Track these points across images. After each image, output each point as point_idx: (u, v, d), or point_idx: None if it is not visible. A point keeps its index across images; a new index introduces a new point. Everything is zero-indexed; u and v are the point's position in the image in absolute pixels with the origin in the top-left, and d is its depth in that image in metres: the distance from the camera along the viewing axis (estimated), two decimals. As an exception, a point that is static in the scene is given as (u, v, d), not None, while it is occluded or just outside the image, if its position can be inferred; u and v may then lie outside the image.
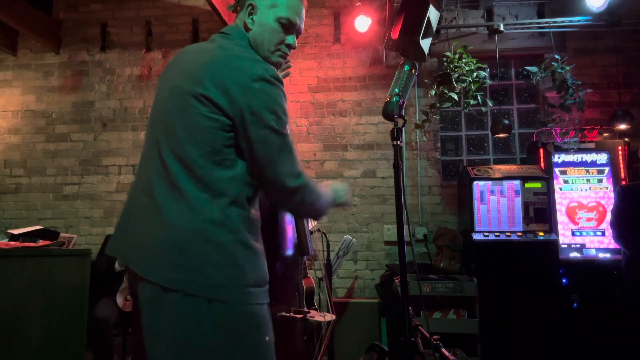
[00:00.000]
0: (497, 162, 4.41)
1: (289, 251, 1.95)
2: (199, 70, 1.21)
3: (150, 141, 1.28)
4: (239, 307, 1.16)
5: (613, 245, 3.51)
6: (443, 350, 1.61)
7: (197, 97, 1.18)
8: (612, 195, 3.62)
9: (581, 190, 3.76)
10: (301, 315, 2.07)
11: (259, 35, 1.32)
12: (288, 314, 1.99)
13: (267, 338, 1.21)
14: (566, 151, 3.75)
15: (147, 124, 1.37)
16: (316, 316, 2.26)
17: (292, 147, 1.23)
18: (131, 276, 1.27)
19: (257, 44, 1.33)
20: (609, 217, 3.39)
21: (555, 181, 3.77)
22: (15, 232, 2.61)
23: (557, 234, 3.65)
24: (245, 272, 1.18)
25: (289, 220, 1.92)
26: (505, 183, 3.69)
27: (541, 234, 3.57)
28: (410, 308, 1.56)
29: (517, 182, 3.67)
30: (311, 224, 3.27)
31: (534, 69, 3.78)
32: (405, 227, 1.62)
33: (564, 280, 3.55)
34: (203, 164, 1.18)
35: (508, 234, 3.61)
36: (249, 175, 1.23)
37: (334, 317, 2.70)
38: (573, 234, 3.72)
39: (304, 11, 1.40)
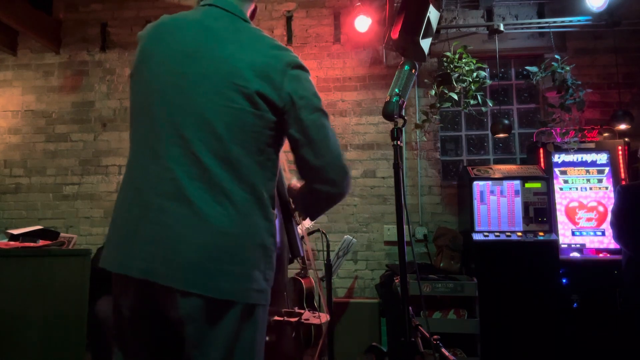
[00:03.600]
0: (497, 162, 4.41)
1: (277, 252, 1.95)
2: (232, 60, 1.12)
3: (162, 136, 1.12)
4: (267, 307, 1.19)
5: (613, 245, 3.51)
6: (443, 350, 1.61)
7: (241, 91, 1.10)
8: (612, 195, 3.62)
9: (581, 190, 3.76)
10: (295, 319, 2.06)
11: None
12: (282, 318, 1.98)
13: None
14: (566, 151, 3.75)
15: (140, 115, 1.19)
16: (310, 319, 2.26)
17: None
18: (143, 290, 1.11)
19: None
20: (609, 217, 3.40)
21: (555, 181, 3.77)
22: (15, 232, 2.60)
23: (557, 234, 3.65)
24: (274, 273, 1.19)
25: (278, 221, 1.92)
26: (505, 183, 3.69)
27: (541, 234, 3.57)
28: (410, 308, 1.56)
29: (517, 182, 3.67)
30: (308, 223, 3.28)
31: (534, 69, 3.78)
32: (405, 227, 1.62)
33: (564, 280, 3.55)
34: (248, 164, 1.12)
35: (508, 234, 3.60)
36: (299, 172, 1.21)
37: (328, 317, 2.69)
38: (573, 234, 3.71)
39: None
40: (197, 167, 1.09)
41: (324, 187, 1.21)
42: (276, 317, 1.97)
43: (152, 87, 1.16)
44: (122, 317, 1.16)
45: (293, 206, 1.49)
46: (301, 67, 1.18)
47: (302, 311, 2.72)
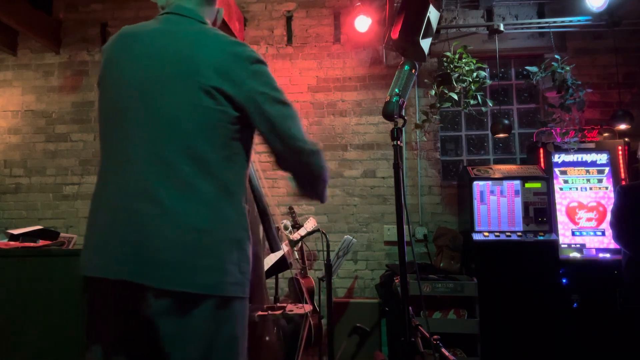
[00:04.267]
0: (497, 162, 4.41)
1: (255, 247, 1.96)
2: (192, 59, 1.15)
3: (129, 139, 1.15)
4: (246, 300, 1.21)
5: (613, 245, 3.51)
6: (443, 350, 1.61)
7: (202, 88, 1.12)
8: (612, 195, 3.62)
9: (581, 190, 3.76)
10: (279, 312, 2.08)
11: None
12: (265, 313, 2.00)
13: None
14: (566, 151, 3.75)
15: (108, 120, 1.21)
16: (294, 310, 2.27)
17: (297, 115, 1.26)
18: (121, 292, 1.11)
19: None
20: (609, 217, 3.39)
21: (555, 181, 3.77)
22: (15, 232, 2.60)
23: (557, 234, 3.65)
24: (250, 266, 1.21)
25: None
26: (505, 183, 3.69)
27: (541, 234, 3.57)
28: (410, 308, 1.56)
29: (517, 182, 3.68)
30: (312, 224, 3.28)
31: (534, 69, 3.78)
32: (405, 227, 1.62)
33: (564, 280, 3.55)
34: (215, 159, 1.14)
35: (508, 234, 3.61)
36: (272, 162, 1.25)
37: (311, 308, 2.71)
38: (573, 234, 3.71)
39: None
40: (164, 166, 1.11)
41: (298, 171, 1.27)
42: (260, 313, 1.98)
43: (117, 93, 1.20)
44: (100, 320, 1.17)
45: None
46: (259, 62, 1.21)
47: (284, 304, 2.73)
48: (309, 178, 1.29)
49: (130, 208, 1.11)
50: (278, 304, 2.35)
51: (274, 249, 1.77)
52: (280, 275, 4.21)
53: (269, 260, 2.40)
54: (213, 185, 1.13)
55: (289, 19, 4.57)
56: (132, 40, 1.23)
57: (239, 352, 1.16)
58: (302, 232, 3.26)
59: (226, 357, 1.14)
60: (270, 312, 2.03)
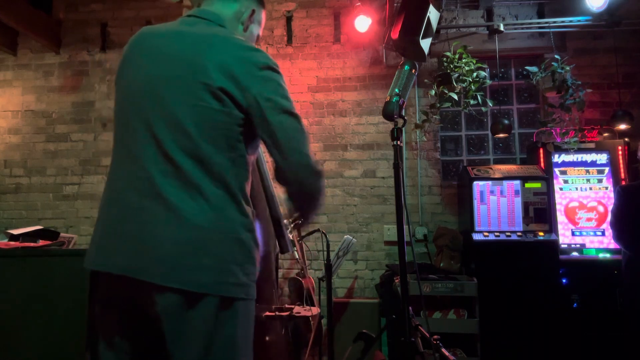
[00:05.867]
0: (497, 162, 4.41)
1: (265, 248, 1.96)
2: (200, 60, 1.15)
3: (138, 138, 1.17)
4: (252, 302, 1.20)
5: (613, 245, 3.51)
6: (443, 350, 1.61)
7: (208, 89, 1.13)
8: (612, 195, 3.61)
9: (581, 190, 3.76)
10: (287, 313, 2.08)
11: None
12: (272, 314, 2.00)
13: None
14: (566, 151, 3.75)
15: (120, 118, 1.25)
16: (302, 312, 2.27)
17: (305, 129, 1.23)
18: (124, 287, 1.13)
19: None
20: (609, 217, 3.39)
21: (555, 181, 3.77)
22: (15, 232, 2.60)
23: (557, 234, 3.65)
24: (257, 268, 1.21)
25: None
26: (505, 183, 3.69)
27: (541, 234, 3.57)
28: (410, 308, 1.56)
29: (517, 182, 3.68)
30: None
31: (534, 69, 3.78)
32: (405, 227, 1.62)
33: (564, 280, 3.55)
34: (219, 161, 1.14)
35: (508, 234, 3.60)
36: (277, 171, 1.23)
37: (318, 310, 2.71)
38: (573, 234, 3.71)
39: None
40: (170, 165, 1.12)
41: (292, 188, 1.23)
42: (267, 313, 1.99)
43: (129, 91, 1.22)
44: (104, 315, 1.19)
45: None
46: (271, 69, 1.19)
47: (292, 306, 2.73)
48: (304, 197, 1.25)
49: (136, 204, 1.12)
50: (286, 305, 2.35)
51: (284, 250, 1.78)
52: (280, 275, 4.21)
53: None
54: (217, 186, 1.13)
55: (289, 19, 4.57)
56: (147, 40, 1.25)
57: (242, 354, 1.16)
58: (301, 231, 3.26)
59: (226, 359, 1.13)
60: (277, 312, 2.03)
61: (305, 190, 1.23)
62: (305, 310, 2.38)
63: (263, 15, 1.44)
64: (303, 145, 1.20)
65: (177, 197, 1.10)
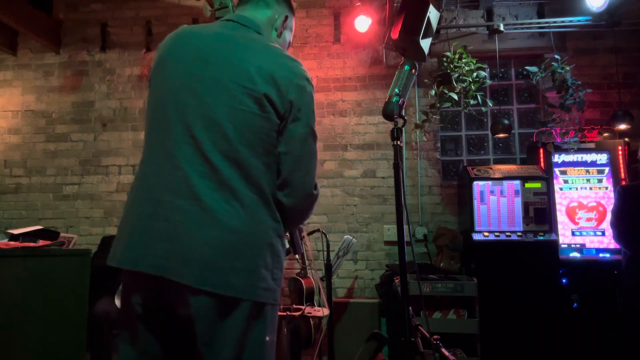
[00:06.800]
0: (497, 162, 4.41)
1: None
2: (244, 64, 1.16)
3: (175, 136, 1.15)
4: (277, 307, 1.22)
5: (613, 245, 3.51)
6: (443, 350, 1.61)
7: (250, 94, 1.14)
8: (612, 195, 3.61)
9: (581, 190, 3.76)
10: (299, 313, 2.08)
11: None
12: (284, 313, 2.00)
13: None
14: (566, 151, 3.75)
15: (155, 115, 1.23)
16: (312, 312, 2.28)
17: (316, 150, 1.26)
18: (155, 288, 1.12)
19: None
20: (609, 217, 3.39)
21: (555, 181, 3.77)
22: (15, 232, 2.60)
23: (557, 234, 3.65)
24: (282, 274, 1.22)
25: None
26: (505, 183, 3.69)
27: (541, 234, 3.57)
28: (410, 308, 1.56)
29: (517, 182, 3.68)
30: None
31: (534, 69, 3.78)
32: (405, 227, 1.62)
33: (564, 280, 3.55)
34: (256, 165, 1.15)
35: (508, 234, 3.60)
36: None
37: (328, 311, 2.72)
38: (573, 234, 3.71)
39: None
40: (206, 166, 1.12)
41: (284, 199, 1.23)
42: (279, 313, 2.01)
43: (166, 89, 1.21)
44: (134, 314, 1.17)
45: None
46: (308, 81, 1.23)
47: (301, 307, 2.73)
48: (298, 214, 1.28)
49: (169, 203, 1.11)
50: (293, 306, 2.36)
51: (296, 251, 1.80)
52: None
53: None
54: (252, 190, 1.14)
55: (289, 19, 4.56)
56: (186, 39, 1.25)
57: (268, 357, 1.17)
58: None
59: (251, 356, 1.14)
60: (288, 312, 2.03)
61: (303, 209, 1.27)
62: (316, 311, 2.38)
63: (294, 22, 1.47)
64: (312, 168, 1.24)
65: (212, 199, 1.10)
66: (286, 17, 1.40)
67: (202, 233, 1.08)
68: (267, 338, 1.16)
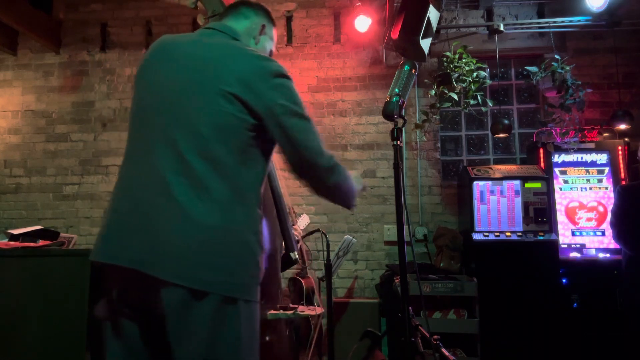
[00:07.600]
0: (497, 162, 4.41)
1: (271, 247, 1.97)
2: (218, 67, 1.21)
3: (154, 136, 1.21)
4: (255, 304, 1.22)
5: (613, 245, 3.51)
6: (443, 350, 1.61)
7: (224, 95, 1.18)
8: (612, 195, 3.62)
9: (581, 190, 3.76)
10: (291, 311, 2.09)
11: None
12: (277, 312, 2.01)
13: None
14: (566, 151, 3.75)
15: (137, 116, 1.28)
16: (306, 310, 2.28)
17: (317, 130, 1.29)
18: (132, 281, 1.15)
19: None
20: (609, 217, 3.39)
21: (555, 181, 3.77)
22: (15, 232, 2.60)
23: (557, 234, 3.65)
24: (260, 271, 1.23)
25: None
26: (505, 183, 3.69)
27: (541, 234, 3.57)
28: (410, 308, 1.56)
29: (517, 182, 3.67)
30: (306, 221, 3.27)
31: (534, 69, 3.78)
32: (405, 227, 1.62)
33: (564, 280, 3.55)
34: (231, 163, 1.18)
35: (508, 234, 3.60)
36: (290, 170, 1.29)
37: (323, 310, 2.72)
38: (573, 234, 3.72)
39: None
40: (182, 165, 1.16)
41: (312, 182, 1.31)
42: (272, 311, 2.00)
43: (147, 92, 1.28)
44: (112, 308, 1.20)
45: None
46: (283, 76, 1.26)
47: (296, 305, 2.73)
48: (323, 190, 1.35)
49: (147, 200, 1.16)
50: (290, 305, 2.36)
51: (289, 249, 1.80)
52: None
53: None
54: (226, 186, 1.17)
55: (289, 19, 4.57)
56: (169, 46, 1.32)
57: (246, 355, 1.17)
58: (300, 229, 3.26)
59: (228, 358, 1.14)
60: (282, 311, 2.04)
61: (326, 184, 1.31)
62: (309, 309, 2.39)
63: (274, 32, 1.52)
64: (316, 143, 1.26)
65: (186, 196, 1.14)
66: (263, 26, 1.46)
67: (175, 229, 1.12)
68: (244, 335, 1.16)
